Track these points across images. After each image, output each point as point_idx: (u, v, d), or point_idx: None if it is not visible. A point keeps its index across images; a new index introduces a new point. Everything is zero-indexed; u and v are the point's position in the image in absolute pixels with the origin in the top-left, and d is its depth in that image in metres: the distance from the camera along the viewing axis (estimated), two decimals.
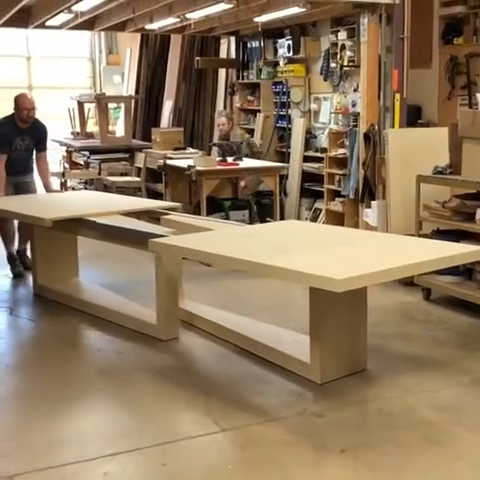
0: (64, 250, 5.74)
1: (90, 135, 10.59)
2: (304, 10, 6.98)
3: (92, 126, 11.04)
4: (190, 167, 6.79)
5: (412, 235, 5.20)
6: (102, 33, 12.00)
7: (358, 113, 6.94)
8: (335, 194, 7.67)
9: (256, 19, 7.81)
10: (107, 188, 8.90)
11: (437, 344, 4.51)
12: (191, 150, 9.00)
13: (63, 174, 9.58)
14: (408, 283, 5.50)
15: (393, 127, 6.27)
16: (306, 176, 8.46)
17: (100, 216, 5.14)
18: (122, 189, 8.68)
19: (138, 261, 5.71)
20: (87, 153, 9.62)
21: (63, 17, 7.83)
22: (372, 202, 6.37)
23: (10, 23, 8.21)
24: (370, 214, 6.34)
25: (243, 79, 9.69)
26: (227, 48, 10.22)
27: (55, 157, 10.73)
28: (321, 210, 8.09)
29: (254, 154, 7.96)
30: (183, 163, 7.19)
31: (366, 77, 6.46)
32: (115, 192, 8.26)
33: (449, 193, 5.45)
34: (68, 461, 3.08)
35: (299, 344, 4.11)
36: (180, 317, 4.92)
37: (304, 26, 8.36)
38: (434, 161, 5.45)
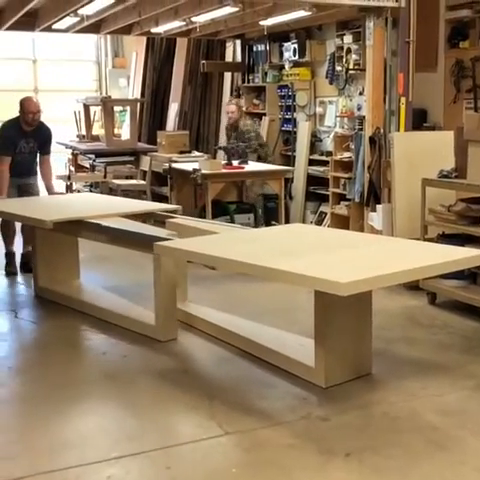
0: (65, 252, 5.77)
1: (96, 138, 10.61)
2: (310, 14, 6.98)
3: (98, 129, 11.06)
4: (195, 170, 6.79)
5: (417, 239, 5.19)
6: (108, 36, 12.02)
7: (363, 116, 6.94)
8: (340, 197, 7.66)
9: (262, 23, 7.82)
10: (112, 191, 8.91)
11: (442, 348, 4.50)
12: (196, 153, 9.01)
13: (68, 177, 9.59)
14: (413, 287, 5.49)
15: (398, 131, 6.26)
16: (311, 179, 8.46)
17: (100, 218, 5.16)
18: (127, 192, 8.69)
19: (142, 264, 5.71)
20: (93, 156, 9.63)
21: (69, 20, 7.86)
22: (377, 206, 6.36)
23: (17, 26, 8.24)
24: (375, 218, 6.34)
25: (248, 82, 9.69)
26: (233, 51, 10.23)
27: (61, 160, 10.76)
28: (326, 213, 8.09)
29: (261, 147, 7.97)
30: (188, 166, 7.19)
31: (371, 81, 6.46)
32: (120, 195, 8.27)
33: (454, 197, 5.44)
34: (71, 464, 3.07)
35: (304, 348, 4.10)
36: (184, 320, 4.94)
37: (310, 30, 8.37)
38: (439, 165, 5.44)
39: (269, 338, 4.37)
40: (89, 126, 10.86)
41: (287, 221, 7.51)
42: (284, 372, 4.03)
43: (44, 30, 8.58)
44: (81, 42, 12.45)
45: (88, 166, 9.77)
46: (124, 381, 4.01)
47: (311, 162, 8.49)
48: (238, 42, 9.89)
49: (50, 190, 6.49)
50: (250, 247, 4.18)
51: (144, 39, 10.84)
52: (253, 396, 3.78)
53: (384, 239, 5.16)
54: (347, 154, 7.50)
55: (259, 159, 7.88)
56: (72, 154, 10.52)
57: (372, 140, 6.46)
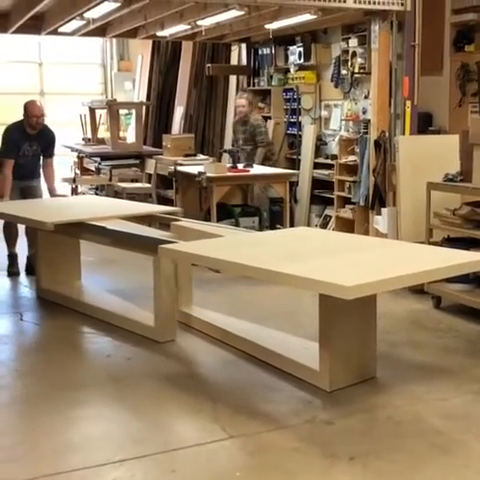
0: (67, 254, 5.81)
1: (101, 141, 10.64)
2: (315, 17, 6.99)
3: (103, 132, 11.09)
4: (200, 173, 6.80)
5: (422, 242, 5.19)
6: (114, 40, 12.07)
7: (369, 120, 6.94)
8: (345, 201, 7.66)
9: (267, 26, 7.83)
10: (118, 194, 8.93)
11: (447, 352, 4.49)
12: (202, 156, 9.01)
13: (74, 180, 9.62)
14: (418, 291, 5.49)
15: (404, 134, 6.26)
16: (316, 183, 8.46)
17: (101, 220, 5.19)
18: (133, 195, 8.71)
19: (147, 267, 5.71)
20: (98, 159, 9.66)
21: (75, 24, 7.88)
22: (382, 209, 6.36)
23: (23, 29, 8.27)
24: (380, 221, 6.33)
25: (254, 86, 9.70)
26: (238, 55, 10.24)
27: (66, 163, 10.80)
28: (331, 217, 8.09)
29: (268, 144, 8.03)
30: (194, 169, 7.20)
31: (377, 84, 6.47)
32: (125, 198, 8.29)
33: (460, 200, 5.44)
34: (76, 467, 3.08)
35: (308, 351, 4.10)
36: (189, 323, 4.95)
37: (315, 33, 8.37)
38: (445, 168, 5.43)
39: (274, 341, 4.37)
40: (95, 129, 10.89)
41: (292, 224, 7.51)
42: (288, 375, 4.03)
43: (50, 33, 8.61)
44: (87, 45, 12.50)
45: (94, 169, 9.79)
46: (128, 384, 4.01)
47: (316, 165, 8.48)
48: (243, 45, 9.90)
49: (52, 192, 6.54)
50: (255, 250, 4.19)
51: (150, 42, 10.87)
52: (257, 399, 3.78)
53: (389, 243, 5.16)
54: (352, 157, 7.50)
55: (265, 160, 7.91)
56: (78, 157, 10.55)
57: (377, 144, 6.46)
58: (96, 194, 9.96)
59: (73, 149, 10.65)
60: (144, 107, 10.54)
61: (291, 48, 8.61)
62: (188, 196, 7.50)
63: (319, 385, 3.86)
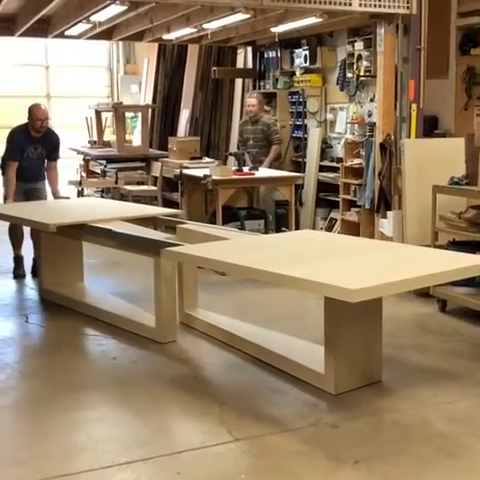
0: (69, 255, 5.86)
1: (107, 144, 10.67)
2: (321, 20, 6.98)
3: (109, 135, 11.12)
4: (206, 176, 6.81)
5: (428, 246, 5.18)
6: (120, 43, 12.11)
7: (374, 123, 6.94)
8: (351, 204, 7.66)
9: (273, 29, 7.84)
10: (123, 197, 8.96)
11: (452, 356, 4.49)
12: (207, 159, 9.04)
13: (80, 182, 9.65)
14: (423, 294, 5.48)
15: (409, 137, 6.26)
16: (322, 186, 8.46)
17: (103, 222, 5.23)
18: (138, 198, 8.73)
19: (152, 269, 5.73)
20: (104, 162, 9.68)
21: (82, 27, 7.91)
22: (388, 212, 6.36)
23: (30, 33, 8.31)
24: (386, 224, 6.33)
25: (259, 89, 9.70)
26: (244, 58, 10.25)
27: (72, 166, 10.83)
28: (336, 220, 8.09)
29: (282, 142, 8.14)
30: (199, 172, 7.21)
31: (382, 87, 6.47)
32: (131, 201, 8.31)
33: (465, 204, 5.43)
34: (82, 469, 3.09)
35: (313, 354, 4.10)
36: (194, 326, 4.96)
37: (321, 36, 8.38)
38: (450, 171, 5.43)
39: (279, 344, 4.37)
40: (101, 132, 10.92)
41: (297, 227, 7.51)
42: (294, 378, 4.03)
43: (57, 37, 8.64)
44: (93, 48, 12.55)
45: (99, 172, 9.82)
46: (134, 386, 4.02)
47: (321, 168, 8.49)
48: (249, 49, 9.91)
49: (56, 195, 6.59)
50: (260, 253, 4.19)
51: (156, 46, 10.90)
52: (263, 402, 3.78)
53: (394, 246, 5.15)
54: (358, 161, 7.50)
55: (273, 160, 7.95)
56: (84, 160, 10.58)
57: (383, 147, 6.46)
58: (102, 197, 9.97)
59: (79, 152, 10.68)
60: (150, 110, 10.56)
61: (297, 51, 8.61)
62: (194, 199, 7.52)
63: (324, 388, 3.86)
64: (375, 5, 6.05)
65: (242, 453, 3.28)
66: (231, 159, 8.29)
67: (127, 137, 10.63)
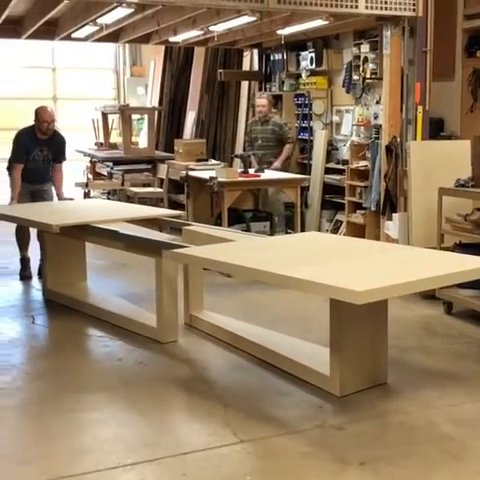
0: (73, 256, 5.90)
1: (114, 146, 10.70)
2: (327, 23, 6.99)
3: (116, 137, 11.15)
4: (212, 178, 6.82)
5: (433, 248, 5.17)
6: (126, 45, 12.13)
7: (380, 125, 6.94)
8: (356, 206, 7.66)
9: (279, 32, 7.85)
10: (130, 199, 8.98)
11: (458, 358, 4.48)
12: (213, 161, 9.05)
13: (86, 184, 9.67)
14: (429, 296, 5.47)
15: (415, 139, 6.26)
16: (327, 188, 8.46)
17: (106, 223, 5.26)
18: (144, 200, 8.75)
19: None
20: (110, 164, 9.71)
21: (88, 29, 7.93)
22: (393, 214, 6.35)
23: (37, 35, 8.34)
24: (391, 226, 6.33)
25: (265, 91, 9.71)
26: (250, 60, 10.26)
27: (79, 167, 10.86)
28: (342, 222, 8.08)
29: (294, 141, 8.20)
30: (205, 174, 7.23)
31: (388, 89, 6.47)
32: (137, 203, 8.33)
33: (471, 206, 5.43)
34: (88, 470, 3.10)
35: (319, 356, 4.10)
36: (200, 327, 4.97)
37: (327, 39, 8.39)
38: (456, 174, 5.42)
39: (284, 346, 4.37)
40: (107, 134, 10.95)
41: (303, 229, 7.52)
42: (299, 380, 4.03)
43: (63, 39, 8.67)
44: (100, 51, 12.58)
45: (106, 174, 9.84)
46: (140, 388, 4.02)
47: (327, 170, 8.49)
48: (255, 51, 9.93)
49: (60, 196, 6.62)
50: (266, 255, 4.20)
51: (162, 48, 10.93)
52: (268, 404, 3.79)
53: (400, 248, 5.15)
54: (363, 163, 7.50)
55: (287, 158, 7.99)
56: (90, 162, 10.61)
57: (389, 149, 6.46)
58: (108, 199, 10.00)
59: (86, 154, 10.71)
60: (156, 112, 10.59)
61: (303, 53, 8.62)
62: (199, 201, 7.53)
63: (330, 390, 3.86)
64: (381, 7, 6.06)
65: (247, 455, 3.28)
66: (237, 161, 8.30)
67: (133, 139, 10.65)
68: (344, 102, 8.38)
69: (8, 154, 6.48)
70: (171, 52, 11.08)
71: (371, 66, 7.50)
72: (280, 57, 9.24)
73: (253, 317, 5.09)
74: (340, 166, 8.21)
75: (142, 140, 10.83)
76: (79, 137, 11.22)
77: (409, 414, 3.65)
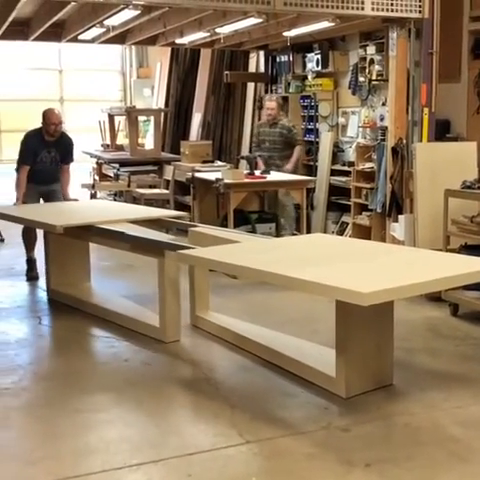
0: (76, 256, 5.93)
1: (120, 147, 10.73)
2: (333, 25, 7.01)
3: (122, 139, 11.19)
4: (218, 180, 6.84)
5: (439, 250, 5.17)
6: (133, 47, 12.18)
7: (386, 127, 6.94)
8: (362, 208, 7.66)
9: (285, 33, 7.86)
10: (136, 200, 9.00)
11: (464, 359, 4.48)
12: (219, 163, 9.06)
13: (93, 186, 9.71)
14: (435, 298, 5.47)
15: (421, 141, 6.25)
16: (333, 190, 8.47)
17: (109, 224, 5.29)
18: (150, 201, 8.77)
19: None
20: (117, 165, 9.74)
21: (95, 31, 7.97)
22: (399, 216, 6.35)
23: (44, 37, 8.38)
24: (397, 228, 6.32)
25: (271, 93, 9.72)
26: (256, 62, 10.29)
27: (85, 169, 10.90)
28: (348, 224, 8.08)
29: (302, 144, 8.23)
30: (211, 176, 7.24)
31: (394, 91, 6.47)
32: (143, 204, 8.35)
33: (477, 208, 5.42)
34: (94, 470, 3.11)
35: (325, 358, 4.10)
36: (206, 329, 4.98)
37: (333, 40, 8.39)
38: (462, 175, 5.42)
39: (290, 347, 4.38)
40: (113, 135, 10.98)
41: (308, 231, 7.52)
42: (305, 381, 4.03)
43: (70, 41, 8.71)
44: (106, 52, 12.63)
45: (112, 175, 9.88)
46: (146, 389, 4.03)
47: (333, 172, 8.49)
48: (261, 53, 9.95)
49: (65, 197, 6.65)
50: (271, 256, 4.20)
51: (168, 50, 10.95)
52: (273, 405, 3.79)
53: (406, 249, 5.15)
54: (369, 165, 7.50)
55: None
56: (97, 163, 10.65)
57: (394, 151, 6.46)
58: (115, 200, 10.03)
59: (92, 155, 10.75)
60: (162, 114, 10.62)
61: (309, 55, 8.63)
62: (205, 202, 7.54)
63: (335, 391, 3.86)
64: (387, 9, 6.06)
65: (253, 455, 3.28)
66: (243, 163, 8.31)
67: (140, 141, 10.69)
68: (350, 104, 8.38)
69: (16, 155, 6.53)
70: (177, 54, 11.11)
71: (377, 68, 7.50)
72: (286, 59, 9.25)
73: (259, 318, 5.10)
74: (346, 168, 8.21)
75: (148, 142, 10.87)
76: (85, 138, 11.26)
77: (415, 416, 3.65)
